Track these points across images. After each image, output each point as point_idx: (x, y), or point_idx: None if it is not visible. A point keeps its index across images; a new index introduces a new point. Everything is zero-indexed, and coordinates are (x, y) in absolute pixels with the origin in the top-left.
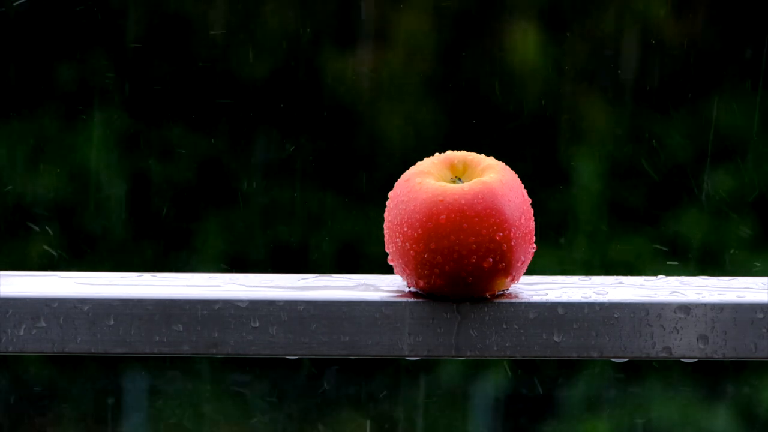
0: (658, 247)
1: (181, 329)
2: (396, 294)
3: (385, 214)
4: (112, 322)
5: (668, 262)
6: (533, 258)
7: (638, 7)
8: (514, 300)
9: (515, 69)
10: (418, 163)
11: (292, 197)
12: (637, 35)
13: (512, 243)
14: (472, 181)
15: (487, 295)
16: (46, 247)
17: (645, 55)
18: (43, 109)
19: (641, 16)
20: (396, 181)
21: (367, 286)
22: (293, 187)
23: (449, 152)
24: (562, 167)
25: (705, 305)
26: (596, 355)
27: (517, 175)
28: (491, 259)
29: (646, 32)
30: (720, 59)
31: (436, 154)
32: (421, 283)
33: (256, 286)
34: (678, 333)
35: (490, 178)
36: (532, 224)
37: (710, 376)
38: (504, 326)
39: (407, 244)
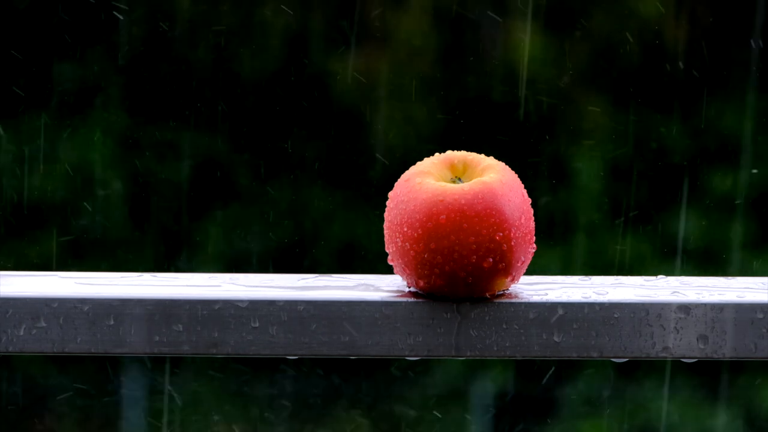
0: (658, 247)
1: (181, 329)
2: (396, 294)
3: (385, 214)
4: (112, 322)
5: (668, 262)
6: (533, 258)
7: (638, 7)
8: (514, 300)
9: (515, 69)
10: (418, 163)
11: (292, 197)
12: (638, 35)
13: (512, 243)
14: (472, 181)
15: (487, 295)
16: (46, 247)
17: (645, 55)
18: (43, 108)
19: (641, 16)
20: (396, 181)
21: (367, 286)
22: (293, 187)
23: (449, 152)
24: (562, 167)
25: (705, 305)
26: (596, 355)
27: (517, 175)
28: (491, 259)
29: (646, 32)
30: (720, 59)
31: (436, 154)
32: (421, 283)
33: (256, 286)
34: (678, 333)
35: (490, 178)
36: (532, 224)
37: (710, 376)
38: (504, 326)
39: (407, 244)
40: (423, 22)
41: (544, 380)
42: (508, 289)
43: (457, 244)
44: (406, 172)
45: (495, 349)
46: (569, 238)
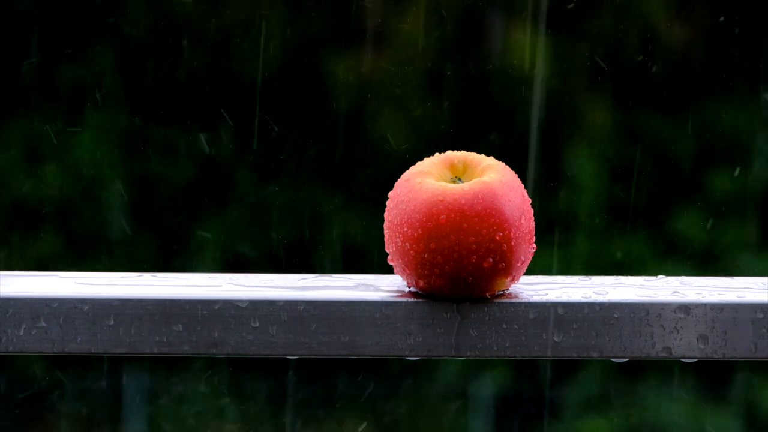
0: (658, 247)
1: (181, 329)
2: (396, 294)
3: (385, 214)
4: (112, 322)
5: (668, 262)
6: (533, 258)
7: (639, 7)
8: (514, 300)
9: (515, 69)
10: (418, 163)
11: (291, 197)
12: (638, 35)
13: (512, 243)
14: (472, 181)
15: (487, 295)
16: (46, 247)
17: (645, 55)
18: (43, 108)
19: (642, 16)
20: (396, 181)
21: (367, 286)
22: (293, 187)
23: (449, 152)
24: (562, 167)
25: (705, 305)
26: (596, 355)
27: (517, 175)
28: (491, 259)
29: (646, 32)
30: (720, 59)
31: (436, 154)
32: (421, 283)
33: (256, 286)
34: (678, 333)
35: (490, 178)
36: (532, 224)
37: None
38: (504, 326)
39: (407, 244)
40: (423, 21)
41: (544, 380)
42: (508, 289)
43: (457, 244)
44: (406, 172)
45: (495, 349)
46: (569, 238)
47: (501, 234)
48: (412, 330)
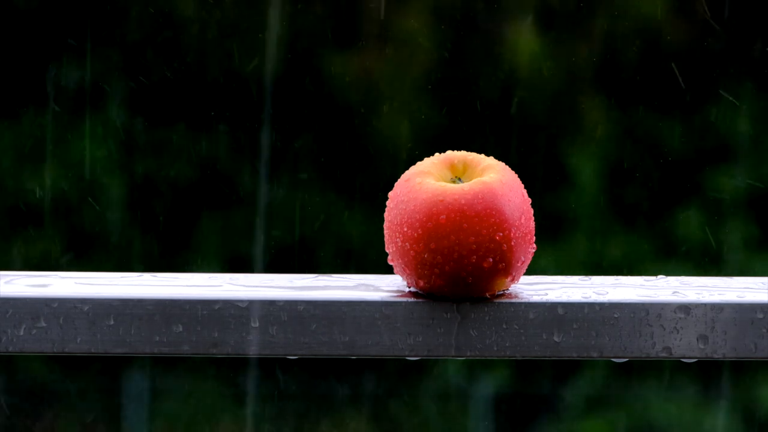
0: (658, 247)
1: (181, 329)
2: (396, 294)
3: (385, 214)
4: (112, 322)
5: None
6: (533, 258)
7: (638, 7)
8: (514, 300)
9: (515, 69)
10: (418, 163)
11: (291, 197)
12: (638, 35)
13: (512, 243)
14: (472, 181)
15: (487, 295)
16: (46, 247)
17: (645, 55)
18: (43, 108)
19: (641, 16)
20: (396, 181)
21: (367, 286)
22: (293, 186)
23: (449, 152)
24: (562, 167)
25: (705, 305)
26: (596, 355)
27: (517, 175)
28: (491, 259)
29: (646, 32)
30: (720, 59)
31: (436, 154)
32: (421, 283)
33: (256, 286)
34: (678, 333)
35: (490, 178)
36: (532, 224)
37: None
38: (504, 326)
39: (407, 244)
40: (423, 21)
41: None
42: (508, 289)
43: (457, 244)
44: (406, 172)
45: (495, 349)
46: (569, 238)
47: (501, 234)
48: (412, 330)
